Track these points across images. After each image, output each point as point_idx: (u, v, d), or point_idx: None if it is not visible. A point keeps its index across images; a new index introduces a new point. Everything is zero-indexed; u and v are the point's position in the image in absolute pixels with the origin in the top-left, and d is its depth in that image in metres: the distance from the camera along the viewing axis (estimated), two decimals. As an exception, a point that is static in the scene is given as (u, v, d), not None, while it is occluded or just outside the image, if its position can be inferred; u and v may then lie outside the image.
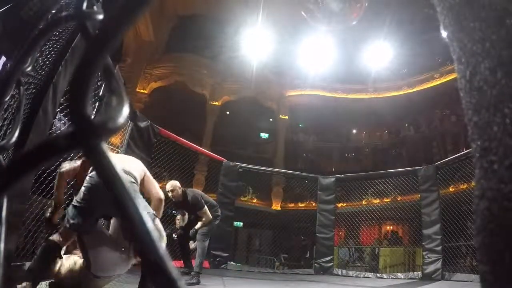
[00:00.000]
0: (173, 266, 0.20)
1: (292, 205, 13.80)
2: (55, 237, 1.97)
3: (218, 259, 5.62)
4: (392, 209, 7.08)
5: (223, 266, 5.66)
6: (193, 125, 13.81)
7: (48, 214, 2.14)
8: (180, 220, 4.50)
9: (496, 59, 0.35)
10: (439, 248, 4.93)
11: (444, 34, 0.44)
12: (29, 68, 0.51)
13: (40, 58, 1.98)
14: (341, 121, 16.03)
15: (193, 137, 8.23)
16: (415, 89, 14.31)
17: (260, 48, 12.33)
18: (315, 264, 6.03)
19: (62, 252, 2.06)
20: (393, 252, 7.38)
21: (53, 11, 1.55)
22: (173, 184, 3.82)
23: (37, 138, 1.92)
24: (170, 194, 3.83)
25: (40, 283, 1.97)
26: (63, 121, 2.76)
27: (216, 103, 15.23)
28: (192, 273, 3.62)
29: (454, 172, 5.19)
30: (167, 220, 5.38)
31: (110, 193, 0.21)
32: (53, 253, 1.94)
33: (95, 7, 0.41)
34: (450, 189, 5.88)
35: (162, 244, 0.21)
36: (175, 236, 4.25)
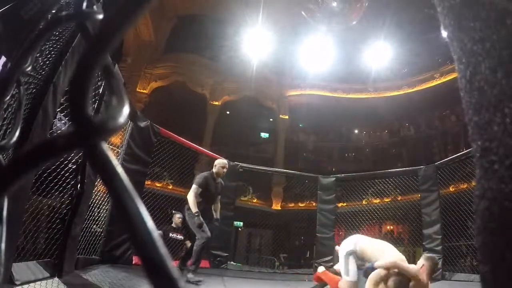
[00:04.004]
0: (173, 266, 0.20)
1: (292, 205, 13.80)
2: None
3: (218, 259, 5.62)
4: (392, 209, 7.08)
5: (223, 266, 5.65)
6: (193, 125, 13.81)
7: None
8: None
9: (496, 59, 0.35)
10: (439, 248, 4.92)
11: (444, 34, 0.44)
12: (29, 68, 0.51)
13: (40, 58, 1.98)
14: (341, 121, 16.04)
15: (193, 137, 8.22)
16: (415, 89, 14.32)
17: (260, 48, 12.32)
18: (315, 264, 6.03)
19: None
20: (393, 252, 7.37)
21: (53, 11, 1.55)
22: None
23: (37, 138, 1.92)
24: (224, 170, 3.91)
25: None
26: (63, 121, 2.76)
27: (216, 103, 15.24)
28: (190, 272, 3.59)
29: (454, 172, 5.18)
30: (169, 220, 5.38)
31: (110, 193, 0.21)
32: None
33: (95, 7, 0.41)
34: (451, 189, 5.88)
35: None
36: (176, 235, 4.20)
